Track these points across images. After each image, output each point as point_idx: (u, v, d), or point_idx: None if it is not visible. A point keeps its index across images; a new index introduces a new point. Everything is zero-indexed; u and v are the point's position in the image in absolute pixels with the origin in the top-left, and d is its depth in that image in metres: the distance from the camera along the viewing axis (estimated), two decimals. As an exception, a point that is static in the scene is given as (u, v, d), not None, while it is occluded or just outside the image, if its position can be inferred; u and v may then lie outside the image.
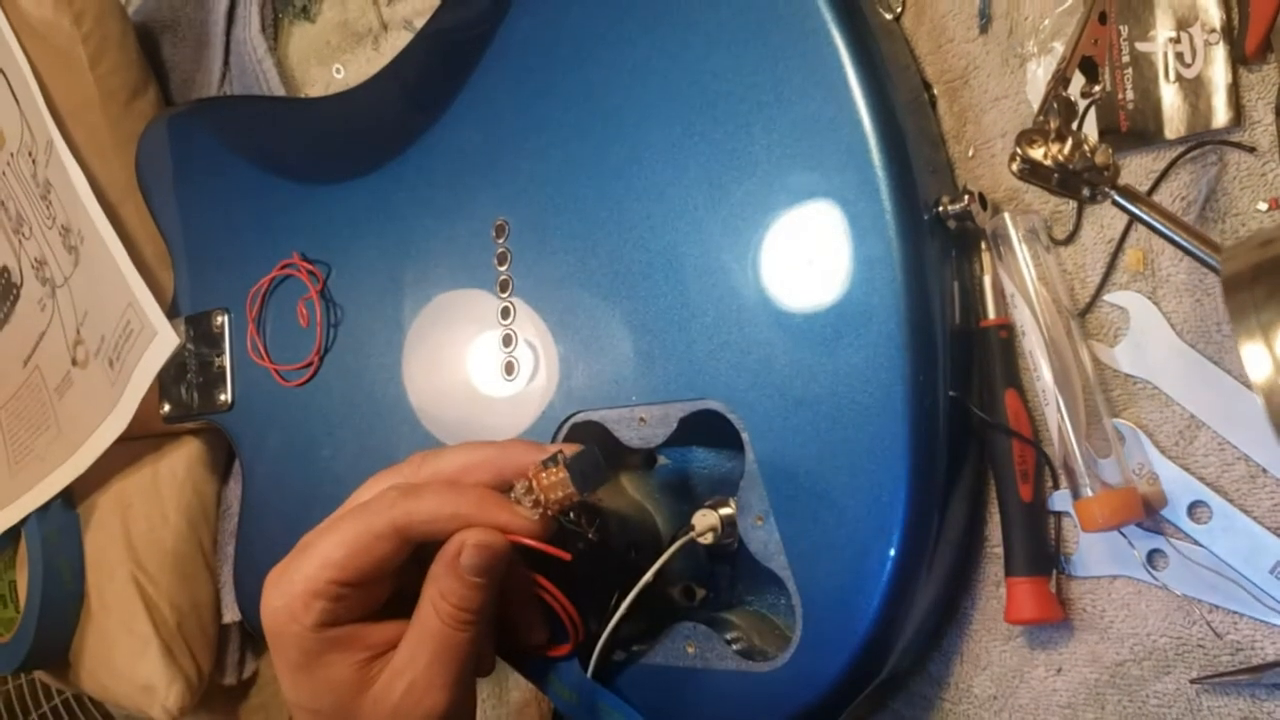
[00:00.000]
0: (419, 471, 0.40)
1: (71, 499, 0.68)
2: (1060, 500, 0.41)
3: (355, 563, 0.37)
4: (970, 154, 0.43)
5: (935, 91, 0.44)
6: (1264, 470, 0.37)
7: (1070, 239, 0.41)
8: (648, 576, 0.41)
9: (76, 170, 0.62)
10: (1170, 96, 0.38)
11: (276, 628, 0.38)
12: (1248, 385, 0.37)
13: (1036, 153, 0.34)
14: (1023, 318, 0.40)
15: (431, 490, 0.38)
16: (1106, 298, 0.40)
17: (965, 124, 0.43)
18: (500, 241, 0.48)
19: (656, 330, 0.43)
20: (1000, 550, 0.42)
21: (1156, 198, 0.39)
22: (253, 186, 0.60)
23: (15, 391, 0.73)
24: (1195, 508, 0.38)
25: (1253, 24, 0.36)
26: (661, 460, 0.48)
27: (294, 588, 0.37)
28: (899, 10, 0.44)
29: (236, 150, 0.61)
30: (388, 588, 0.39)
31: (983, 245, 0.42)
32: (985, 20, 0.43)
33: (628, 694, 0.43)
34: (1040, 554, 0.41)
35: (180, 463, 0.68)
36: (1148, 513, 0.39)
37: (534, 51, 0.48)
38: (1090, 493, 0.38)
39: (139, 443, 0.68)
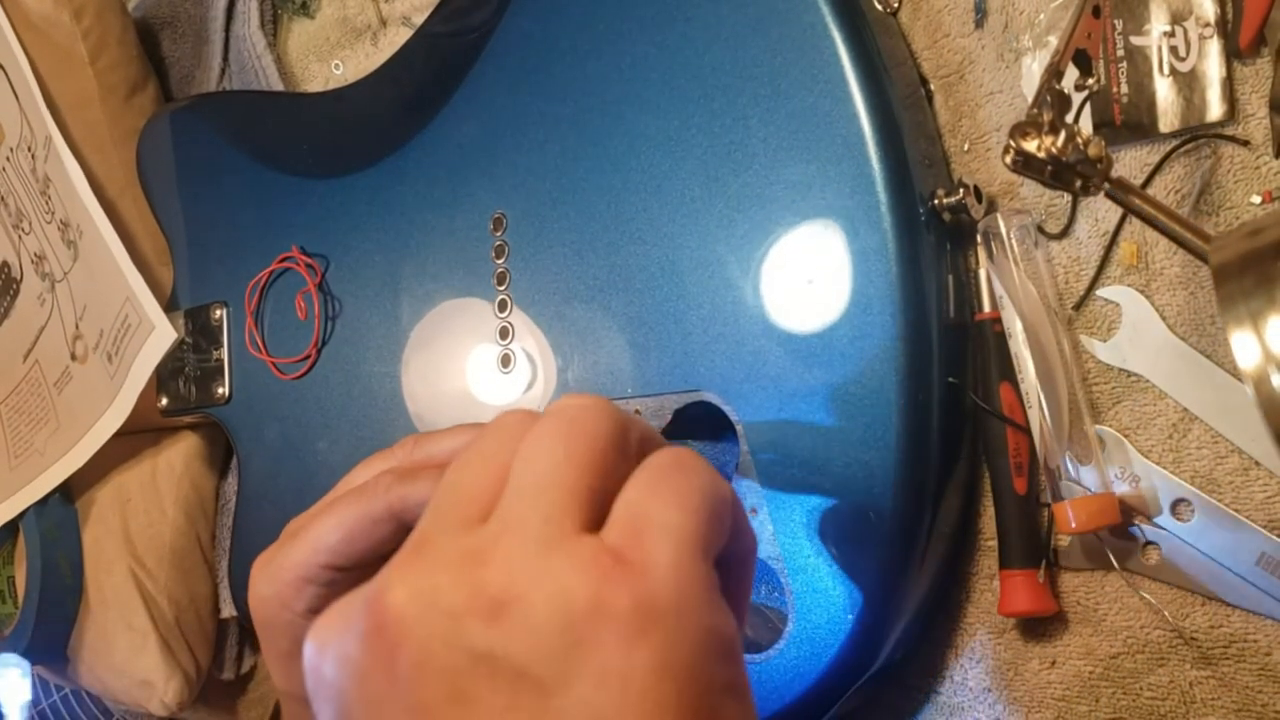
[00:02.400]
0: (412, 455, 0.39)
1: (70, 493, 0.68)
2: (1054, 493, 0.41)
3: (351, 547, 0.36)
4: (966, 148, 0.43)
5: (931, 86, 0.44)
6: (1257, 463, 0.37)
7: (1065, 233, 0.41)
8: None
9: (74, 165, 0.62)
10: (1164, 90, 0.38)
11: (266, 616, 0.37)
12: (1240, 378, 0.37)
13: (1030, 145, 0.34)
14: (1010, 320, 0.40)
15: (427, 475, 0.37)
16: (1099, 292, 0.40)
17: (961, 118, 0.44)
18: (498, 234, 0.48)
19: (652, 323, 0.43)
20: (994, 544, 0.42)
21: (1151, 191, 0.39)
22: (252, 181, 0.60)
23: (15, 386, 0.73)
24: (1178, 505, 0.39)
25: (1246, 18, 0.36)
26: (657, 454, 0.48)
27: (285, 574, 0.36)
28: (896, 5, 0.44)
29: (236, 145, 0.61)
30: (376, 570, 0.39)
31: (977, 240, 0.42)
32: (981, 15, 0.43)
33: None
34: (1034, 546, 0.41)
35: (178, 457, 0.68)
36: (1128, 515, 0.39)
37: (532, 46, 0.48)
38: (1068, 496, 0.39)
39: (137, 437, 0.68)
